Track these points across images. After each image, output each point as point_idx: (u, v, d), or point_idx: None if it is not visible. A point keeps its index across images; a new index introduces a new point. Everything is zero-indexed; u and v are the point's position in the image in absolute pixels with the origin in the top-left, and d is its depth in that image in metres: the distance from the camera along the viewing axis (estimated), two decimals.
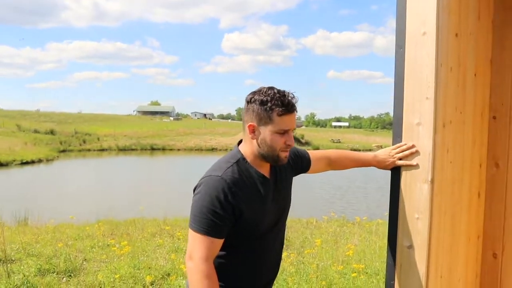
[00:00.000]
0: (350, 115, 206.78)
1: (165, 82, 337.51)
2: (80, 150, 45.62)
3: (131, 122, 76.86)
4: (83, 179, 25.53)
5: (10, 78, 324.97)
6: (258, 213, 1.75)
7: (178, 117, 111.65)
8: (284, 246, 2.05)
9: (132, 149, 48.20)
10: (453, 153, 1.90)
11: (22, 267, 4.93)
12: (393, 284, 1.92)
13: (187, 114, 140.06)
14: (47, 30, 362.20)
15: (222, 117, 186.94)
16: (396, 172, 1.94)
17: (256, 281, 1.88)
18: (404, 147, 1.88)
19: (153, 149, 49.19)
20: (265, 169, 1.80)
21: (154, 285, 4.53)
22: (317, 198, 16.57)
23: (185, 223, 8.26)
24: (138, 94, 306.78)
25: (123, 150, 47.77)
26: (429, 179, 1.79)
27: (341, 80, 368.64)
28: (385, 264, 1.99)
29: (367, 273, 4.84)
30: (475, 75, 1.99)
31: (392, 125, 1.94)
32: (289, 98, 1.69)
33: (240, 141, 1.84)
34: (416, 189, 1.83)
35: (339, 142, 60.99)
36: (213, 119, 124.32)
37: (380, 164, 2.02)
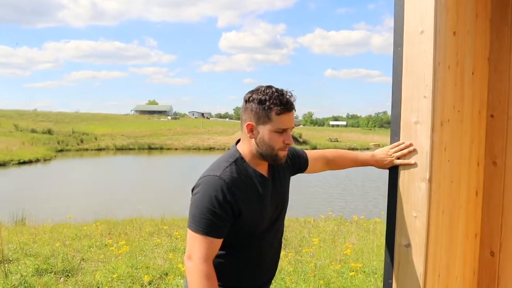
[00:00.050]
0: (348, 114, 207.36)
1: (162, 81, 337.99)
2: (77, 150, 45.46)
3: (129, 122, 76.76)
4: (81, 178, 25.46)
5: (7, 77, 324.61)
6: (257, 212, 1.75)
7: (176, 116, 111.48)
8: (282, 245, 2.05)
9: (130, 149, 48.05)
10: (451, 152, 1.90)
11: (19, 267, 4.92)
12: (391, 283, 1.92)
13: (184, 114, 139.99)
14: (44, 29, 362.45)
15: (220, 116, 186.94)
16: (394, 170, 1.94)
17: (256, 281, 1.88)
18: (402, 146, 1.87)
19: (150, 148, 49.05)
20: (263, 168, 1.80)
21: (152, 285, 4.52)
22: (315, 197, 16.57)
23: (183, 222, 8.26)
24: (136, 94, 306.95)
25: (121, 149, 47.63)
26: (427, 178, 1.79)
27: (339, 79, 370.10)
28: (383, 263, 1.99)
29: (365, 272, 4.84)
30: (472, 73, 1.99)
31: (390, 123, 1.94)
32: (287, 97, 1.69)
33: (238, 140, 1.83)
34: (414, 188, 1.84)
35: (337, 141, 60.96)
36: (211, 118, 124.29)
37: (378, 164, 2.02)
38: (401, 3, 1.83)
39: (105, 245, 6.31)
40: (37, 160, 34.17)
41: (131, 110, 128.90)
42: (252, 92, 1.71)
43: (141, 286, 4.46)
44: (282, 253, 5.42)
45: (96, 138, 51.66)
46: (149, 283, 4.49)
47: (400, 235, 1.88)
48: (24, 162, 32.19)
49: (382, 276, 2.00)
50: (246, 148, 1.77)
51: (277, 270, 2.05)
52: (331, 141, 60.33)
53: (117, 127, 61.89)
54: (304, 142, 52.60)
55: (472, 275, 2.16)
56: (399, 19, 1.84)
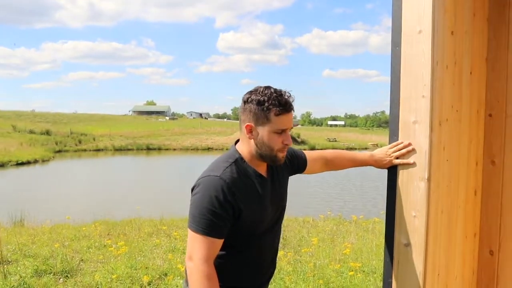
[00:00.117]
0: (346, 113, 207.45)
1: (160, 82, 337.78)
2: (75, 150, 45.38)
3: (127, 122, 76.64)
4: (79, 179, 25.45)
5: (5, 78, 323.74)
6: (256, 212, 1.75)
7: (174, 116, 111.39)
8: (280, 244, 2.05)
9: (128, 149, 48.01)
10: (450, 151, 1.90)
11: (18, 268, 4.91)
12: (391, 282, 1.92)
13: (182, 114, 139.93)
14: (41, 30, 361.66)
15: (218, 116, 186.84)
16: (393, 170, 1.94)
17: (256, 280, 1.89)
18: (401, 145, 1.88)
19: (149, 149, 49.01)
20: (262, 169, 1.80)
21: (152, 285, 4.52)
22: (314, 197, 16.58)
23: (182, 222, 8.26)
24: (133, 94, 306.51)
25: (119, 150, 47.58)
26: (426, 177, 1.79)
27: (337, 79, 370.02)
28: (382, 262, 1.99)
29: (364, 271, 4.85)
30: (470, 73, 2.00)
31: (389, 123, 1.95)
32: (286, 97, 1.69)
33: (237, 141, 1.83)
34: (413, 187, 1.84)
35: (335, 140, 60.98)
36: (209, 119, 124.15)
37: (377, 163, 2.03)
38: (399, 3, 1.83)
39: (104, 245, 6.30)
40: (35, 161, 34.11)
41: (129, 111, 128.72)
42: (250, 93, 1.71)
43: (140, 287, 4.47)
44: (281, 253, 5.43)
45: (94, 139, 51.54)
46: (149, 284, 4.49)
47: (400, 235, 1.89)
48: (22, 163, 32.12)
49: (382, 275, 2.01)
50: (245, 148, 1.77)
51: (277, 270, 2.05)
52: (330, 141, 60.34)
53: (115, 128, 61.76)
54: (303, 142, 52.61)
55: (471, 274, 2.16)
56: (397, 18, 1.84)
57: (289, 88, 1.71)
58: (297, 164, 2.03)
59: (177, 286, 4.42)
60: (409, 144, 1.85)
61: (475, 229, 2.15)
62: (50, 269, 4.88)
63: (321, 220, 9.03)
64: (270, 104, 1.65)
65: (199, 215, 1.64)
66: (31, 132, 50.53)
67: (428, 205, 1.79)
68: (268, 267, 1.94)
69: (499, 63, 2.06)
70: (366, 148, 49.25)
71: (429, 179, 1.79)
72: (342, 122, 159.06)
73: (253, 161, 1.77)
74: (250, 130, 1.71)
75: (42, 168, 32.09)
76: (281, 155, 1.74)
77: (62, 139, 48.00)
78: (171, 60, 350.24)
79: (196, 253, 1.63)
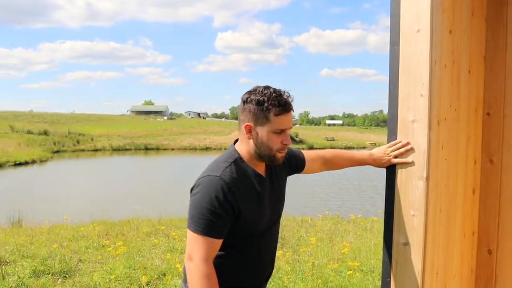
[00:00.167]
0: (344, 113, 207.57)
1: (158, 82, 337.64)
2: (74, 151, 45.32)
3: (125, 122, 76.52)
4: (77, 179, 25.39)
5: (3, 78, 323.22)
6: (256, 212, 1.75)
7: (172, 116, 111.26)
8: (279, 244, 2.06)
9: (126, 149, 47.96)
10: (448, 150, 1.90)
11: (16, 269, 4.90)
12: (389, 281, 1.92)
13: (180, 114, 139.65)
14: (39, 30, 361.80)
15: (216, 116, 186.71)
16: (391, 169, 1.94)
17: (255, 280, 1.89)
18: (399, 144, 1.88)
19: (147, 149, 48.98)
20: (261, 169, 1.80)
21: (150, 285, 4.52)
22: (312, 196, 16.58)
23: (180, 222, 8.25)
24: (132, 94, 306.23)
25: (117, 150, 47.53)
26: (424, 176, 1.79)
27: (334, 78, 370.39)
28: (381, 261, 1.99)
29: (362, 270, 4.85)
30: (469, 72, 2.00)
31: (387, 122, 1.94)
32: (286, 97, 1.69)
33: (236, 140, 1.83)
34: (411, 186, 1.84)
35: (333, 140, 61.04)
36: (207, 118, 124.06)
37: (376, 163, 2.02)
38: (398, 2, 1.83)
39: (103, 246, 6.29)
40: (33, 161, 34.05)
41: (127, 111, 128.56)
42: (250, 92, 1.70)
43: (139, 287, 4.46)
44: (280, 252, 5.43)
45: (92, 139, 51.51)
46: (147, 284, 4.49)
47: (398, 234, 1.89)
48: (20, 164, 32.07)
49: (380, 274, 2.01)
50: (244, 148, 1.77)
51: (275, 269, 2.06)
52: (328, 140, 60.41)
53: (113, 128, 61.70)
54: (301, 142, 52.65)
55: (469, 273, 2.16)
56: (395, 17, 1.84)
57: (287, 87, 1.71)
58: (295, 164, 2.03)
59: (175, 286, 4.42)
60: (408, 143, 1.85)
61: (474, 228, 2.16)
62: (48, 270, 4.87)
63: (320, 219, 9.03)
64: (269, 104, 1.65)
65: (199, 215, 1.64)
66: (29, 132, 50.42)
67: (426, 204, 1.79)
68: (267, 266, 1.94)
69: (497, 63, 2.06)
70: (364, 147, 49.24)
71: (427, 178, 1.79)
72: (340, 121, 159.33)
73: (252, 161, 1.77)
74: (249, 130, 1.71)
75: (40, 169, 32.03)
76: (280, 155, 1.74)
77: (60, 139, 47.92)
78: (168, 59, 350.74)
79: (195, 253, 1.63)
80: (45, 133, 50.95)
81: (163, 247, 6.19)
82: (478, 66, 2.07)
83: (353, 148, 48.47)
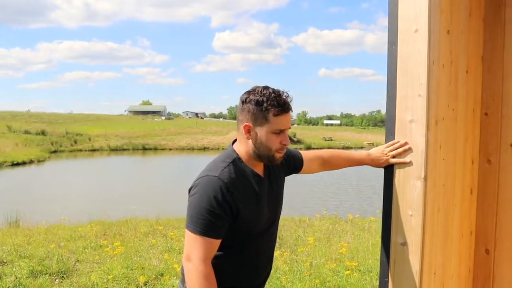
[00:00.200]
0: (342, 113, 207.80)
1: (156, 82, 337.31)
2: (71, 151, 45.27)
3: (123, 122, 76.48)
4: (75, 179, 25.36)
5: (0, 78, 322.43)
6: (254, 213, 1.75)
7: (170, 116, 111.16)
8: (277, 244, 2.06)
9: (124, 149, 47.93)
10: (446, 150, 1.91)
11: (14, 269, 4.89)
12: (387, 281, 1.93)
13: (178, 114, 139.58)
14: (37, 30, 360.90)
15: (214, 116, 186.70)
16: (389, 169, 1.94)
17: (253, 280, 1.89)
18: (397, 144, 1.88)
19: (144, 149, 48.94)
20: (259, 169, 1.80)
21: (148, 285, 4.51)
22: (310, 196, 16.59)
23: (178, 223, 8.25)
24: (129, 94, 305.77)
25: (115, 150, 47.48)
26: (422, 176, 1.79)
27: (332, 78, 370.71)
28: (379, 261, 1.99)
29: (360, 270, 4.86)
30: (466, 72, 2.00)
31: (385, 122, 1.95)
32: (284, 97, 1.69)
33: (235, 140, 1.83)
34: (409, 186, 1.84)
35: (331, 140, 61.09)
36: (204, 118, 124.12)
37: (374, 163, 2.02)
38: (396, 2, 1.83)
39: (100, 246, 6.29)
40: (31, 162, 34.00)
41: (125, 111, 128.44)
42: (249, 93, 1.70)
43: (137, 287, 4.45)
44: (278, 252, 5.43)
45: (90, 139, 51.44)
46: (145, 284, 4.48)
47: (396, 234, 1.89)
48: (18, 164, 32.02)
49: (378, 274, 2.01)
50: (242, 148, 1.76)
51: (273, 269, 2.06)
52: (325, 140, 60.46)
53: (110, 128, 61.64)
54: (299, 142, 52.71)
55: (467, 273, 2.17)
56: (393, 17, 1.84)
57: (285, 87, 1.71)
58: (293, 164, 2.03)
59: (173, 286, 4.42)
60: (406, 143, 1.85)
61: (471, 228, 2.16)
62: (46, 270, 4.86)
63: (317, 219, 9.04)
64: (268, 104, 1.65)
65: (197, 215, 1.64)
66: (27, 132, 50.37)
67: (424, 204, 1.80)
68: (265, 267, 1.94)
69: (495, 63, 2.06)
70: (362, 147, 49.36)
71: (425, 178, 1.79)
72: (338, 121, 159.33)
73: (250, 161, 1.76)
74: (248, 130, 1.71)
75: (38, 169, 31.99)
76: (279, 155, 1.74)
77: (57, 139, 47.85)
78: (166, 59, 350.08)
79: (194, 253, 1.62)
80: (43, 133, 50.90)
81: (160, 247, 6.18)
82: (476, 67, 2.07)
83: (351, 148, 48.51)
